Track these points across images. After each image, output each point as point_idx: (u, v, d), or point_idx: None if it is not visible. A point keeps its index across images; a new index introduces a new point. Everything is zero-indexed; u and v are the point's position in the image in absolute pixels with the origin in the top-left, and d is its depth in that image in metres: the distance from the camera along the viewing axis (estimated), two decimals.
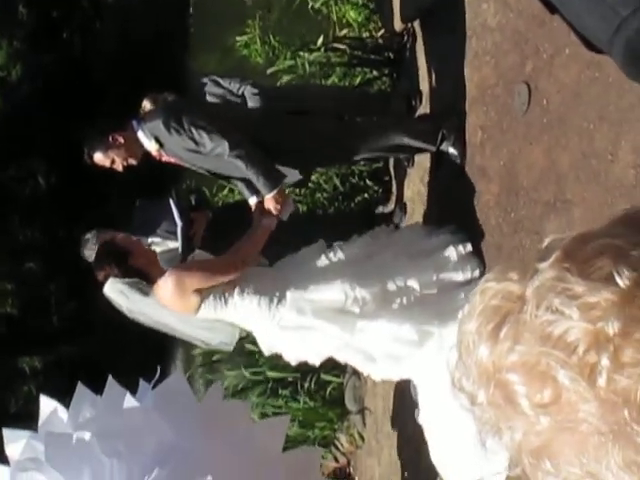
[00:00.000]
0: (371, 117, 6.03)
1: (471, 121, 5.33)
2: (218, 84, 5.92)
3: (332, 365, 6.99)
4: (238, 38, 7.52)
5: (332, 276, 4.76)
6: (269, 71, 6.96)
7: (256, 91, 5.87)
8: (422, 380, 4.89)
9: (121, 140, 5.13)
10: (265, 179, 4.97)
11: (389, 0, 6.55)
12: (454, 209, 5.20)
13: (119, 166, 5.23)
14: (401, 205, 6.33)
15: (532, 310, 0.85)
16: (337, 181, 6.88)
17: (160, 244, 5.94)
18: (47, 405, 2.66)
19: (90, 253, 5.76)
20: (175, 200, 5.87)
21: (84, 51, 12.17)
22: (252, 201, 5.23)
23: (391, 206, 6.53)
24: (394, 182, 6.63)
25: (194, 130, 4.97)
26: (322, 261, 4.88)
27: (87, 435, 2.43)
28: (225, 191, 7.43)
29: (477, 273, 4.94)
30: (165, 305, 4.66)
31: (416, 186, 6.04)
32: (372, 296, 4.69)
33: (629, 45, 1.77)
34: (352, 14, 6.88)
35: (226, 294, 4.57)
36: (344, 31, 6.97)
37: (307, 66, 6.74)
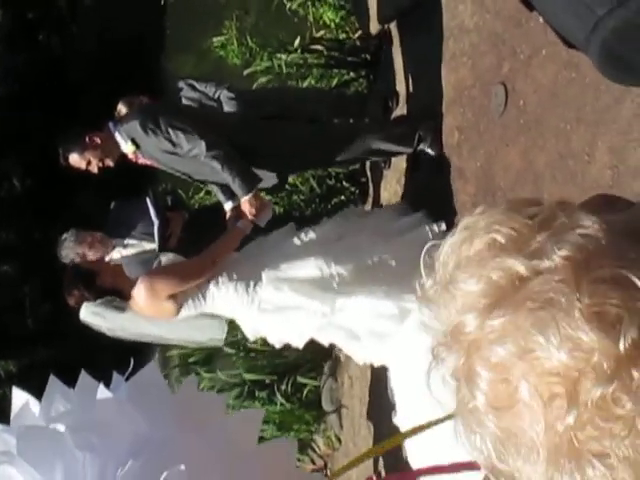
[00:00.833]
0: (348, 119, 6.03)
1: (448, 122, 5.34)
2: (194, 88, 5.91)
3: (309, 367, 6.98)
4: (215, 39, 7.49)
5: (305, 255, 4.75)
6: (246, 72, 6.93)
7: (232, 95, 5.85)
8: (401, 363, 4.88)
9: (98, 141, 5.10)
10: (241, 181, 4.94)
11: (366, 1, 6.55)
12: (431, 210, 5.19)
13: (94, 168, 5.19)
14: (378, 207, 6.33)
15: (526, 321, 0.84)
16: (314, 183, 6.87)
17: (136, 245, 5.92)
18: (19, 398, 2.63)
19: (67, 253, 5.73)
20: (152, 199, 5.85)
21: (60, 52, 12.10)
22: (227, 206, 5.21)
23: (368, 207, 6.53)
24: (371, 184, 6.62)
25: (171, 131, 4.94)
26: (294, 241, 4.88)
27: (60, 428, 2.40)
28: (202, 193, 7.40)
29: None
30: (145, 315, 4.65)
31: (393, 187, 6.04)
32: (348, 272, 4.69)
33: (605, 44, 1.78)
34: (329, 15, 6.87)
35: (202, 290, 4.57)
36: (321, 32, 6.96)
37: (284, 67, 6.72)
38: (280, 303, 4.66)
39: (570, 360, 0.81)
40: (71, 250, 5.72)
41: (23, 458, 2.34)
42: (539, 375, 0.83)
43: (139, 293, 4.44)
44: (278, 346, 5.02)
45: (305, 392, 6.98)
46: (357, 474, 6.27)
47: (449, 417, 0.96)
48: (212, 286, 4.59)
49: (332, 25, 6.93)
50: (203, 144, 4.90)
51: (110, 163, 5.20)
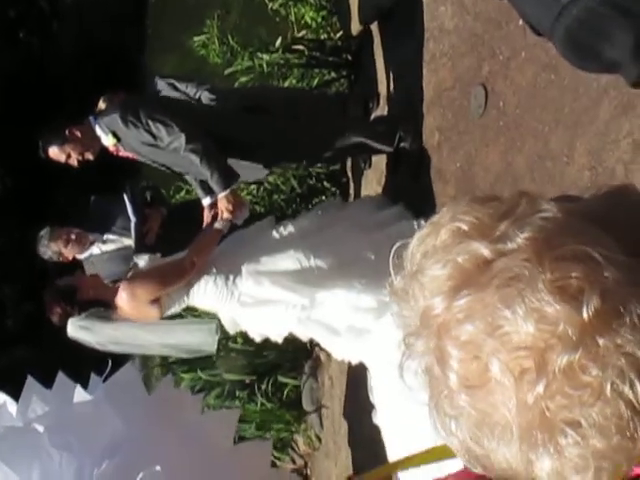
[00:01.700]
0: (328, 118, 6.03)
1: (428, 123, 5.36)
2: (175, 88, 5.89)
3: (289, 367, 6.99)
4: (196, 38, 7.48)
5: (284, 247, 4.76)
6: (227, 72, 6.93)
7: (213, 97, 5.84)
8: (379, 360, 4.89)
9: (78, 134, 5.08)
10: (219, 176, 4.93)
11: (347, 2, 6.56)
12: (411, 211, 5.21)
13: (74, 161, 5.16)
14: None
15: (493, 298, 0.87)
16: (294, 182, 6.87)
17: (115, 241, 5.90)
18: None
19: (44, 250, 5.71)
20: (129, 196, 5.82)
21: (41, 51, 12.05)
22: (205, 202, 5.20)
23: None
24: (352, 184, 6.64)
25: (151, 123, 4.93)
26: (273, 235, 4.89)
27: (37, 428, 2.41)
28: (182, 193, 7.39)
29: None
30: (132, 318, 4.64)
31: (373, 188, 6.05)
32: (327, 265, 4.71)
33: (568, 31, 1.83)
34: (310, 15, 6.88)
35: (184, 289, 4.57)
36: (302, 32, 6.97)
37: (265, 67, 6.72)
38: (260, 296, 4.67)
39: (537, 332, 0.84)
40: (47, 248, 5.70)
41: (1, 459, 2.35)
42: (509, 351, 0.85)
43: (122, 300, 4.44)
44: (258, 340, 5.02)
45: (286, 392, 6.98)
46: (337, 473, 6.29)
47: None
48: (194, 283, 4.60)
49: (313, 25, 6.94)
50: (183, 137, 4.89)
51: (90, 156, 5.17)
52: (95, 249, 5.87)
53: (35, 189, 10.75)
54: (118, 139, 5.05)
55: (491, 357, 0.86)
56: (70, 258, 5.79)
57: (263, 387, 6.84)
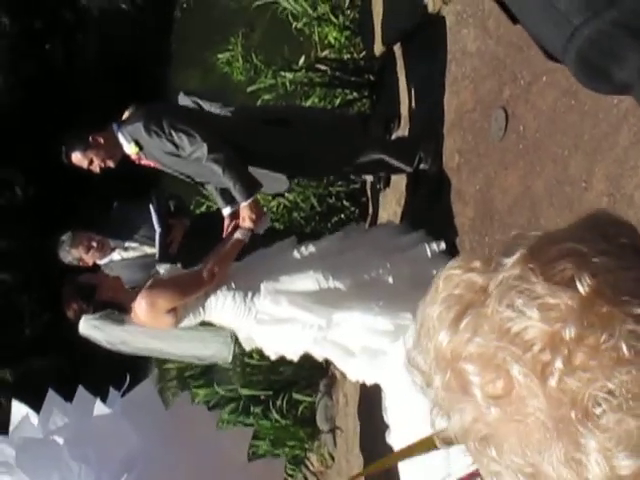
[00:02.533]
0: (349, 137, 6.07)
1: (448, 145, 5.38)
2: (198, 106, 5.93)
3: (305, 384, 7.00)
4: (220, 55, 7.55)
5: (304, 268, 4.78)
6: (250, 89, 6.98)
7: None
8: (395, 382, 4.90)
9: (101, 141, 5.12)
10: (241, 186, 4.96)
11: (371, 23, 6.61)
12: (429, 231, 5.23)
13: (96, 167, 5.20)
14: (377, 225, 6.36)
15: (494, 305, 0.88)
16: (314, 201, 6.91)
17: (136, 249, 5.94)
18: (18, 410, 2.68)
19: (65, 255, 5.75)
20: (155, 206, 5.86)
21: (66, 64, 12.15)
22: (226, 212, 5.23)
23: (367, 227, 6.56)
24: (370, 203, 6.66)
25: (174, 133, 4.97)
26: (294, 255, 4.91)
27: (57, 440, 2.44)
28: (203, 207, 7.44)
29: None
30: (146, 326, 4.67)
31: (392, 208, 6.08)
32: (345, 287, 4.72)
33: (579, 52, 1.85)
34: (334, 35, 6.92)
35: (201, 302, 4.60)
36: (326, 52, 7.02)
37: (288, 85, 6.77)
38: (277, 315, 4.69)
39: (543, 319, 0.85)
40: (68, 253, 5.74)
41: (21, 469, 2.38)
42: (524, 350, 0.85)
43: (140, 307, 4.47)
44: (273, 357, 5.04)
45: (300, 409, 6.99)
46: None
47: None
48: (212, 296, 4.62)
49: (337, 45, 6.99)
50: (205, 147, 4.93)
51: (111, 164, 5.21)
52: (116, 255, 5.91)
53: (56, 198, 10.82)
54: (140, 147, 5.09)
55: (509, 362, 0.86)
56: (90, 264, 5.83)
57: (278, 403, 6.86)
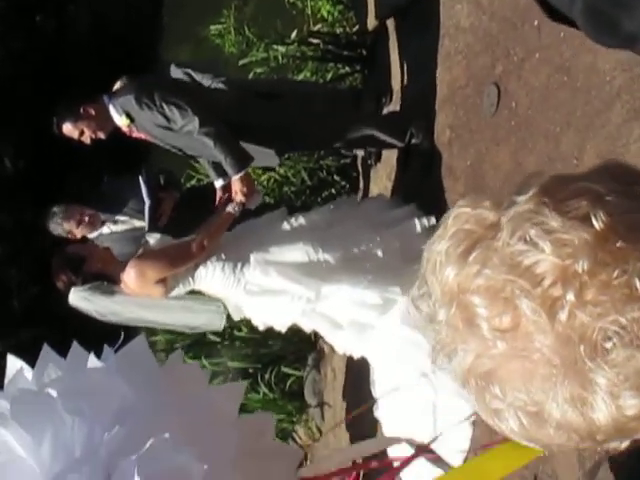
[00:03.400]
0: (341, 111, 6.06)
1: (440, 120, 5.38)
2: (191, 77, 5.91)
3: (293, 358, 7.02)
4: (212, 27, 7.51)
5: (294, 239, 4.80)
6: (241, 62, 6.96)
7: (228, 88, 5.86)
8: (382, 355, 4.93)
9: (92, 112, 5.10)
10: (232, 159, 4.95)
11: None
12: (420, 207, 5.24)
13: (87, 139, 5.18)
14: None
15: (505, 237, 0.87)
16: (305, 175, 6.90)
17: (126, 222, 5.94)
18: (13, 364, 2.70)
19: (55, 227, 5.74)
20: (145, 179, 5.86)
21: (56, 37, 12.08)
22: (218, 184, 5.22)
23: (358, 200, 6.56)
24: (361, 178, 6.66)
25: (165, 106, 4.96)
26: (284, 226, 4.92)
27: (51, 393, 2.47)
28: (193, 181, 7.43)
29: None
30: (136, 295, 4.68)
31: (383, 182, 6.08)
32: (335, 260, 4.74)
33: (587, 2, 1.82)
34: (327, 9, 6.90)
35: (191, 272, 4.61)
36: (318, 26, 6.99)
37: (280, 59, 6.75)
38: (266, 286, 4.71)
39: (556, 253, 0.84)
40: (59, 226, 5.73)
41: (15, 420, 2.41)
42: (534, 285, 0.84)
43: (129, 277, 4.48)
44: (262, 328, 5.06)
45: (288, 383, 7.02)
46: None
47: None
48: (201, 266, 4.64)
49: (329, 19, 6.97)
50: (197, 120, 4.92)
51: (102, 136, 5.19)
52: (105, 229, 5.91)
53: (46, 171, 10.78)
54: (132, 120, 5.08)
55: (518, 296, 0.85)
56: (79, 237, 5.83)
57: (266, 377, 6.88)
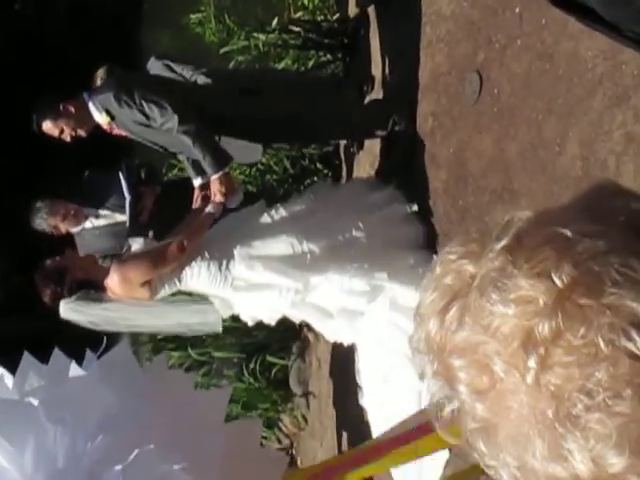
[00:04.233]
0: (323, 101, 6.04)
1: (422, 108, 5.37)
2: (171, 69, 5.87)
3: (278, 347, 7.02)
4: (192, 16, 7.46)
5: (277, 232, 4.80)
6: (222, 51, 6.92)
7: (209, 80, 5.82)
8: (370, 342, 4.94)
9: (72, 110, 5.08)
10: (211, 158, 4.93)
11: None
12: (402, 192, 5.24)
13: (67, 136, 5.17)
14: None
15: (475, 298, 0.87)
16: (287, 163, 6.88)
17: (108, 217, 5.92)
18: None
19: (40, 222, 5.72)
20: (125, 174, 5.84)
21: (35, 24, 11.99)
22: (196, 182, 5.20)
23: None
24: (344, 166, 6.65)
25: (145, 104, 4.94)
26: (265, 219, 4.91)
27: (32, 402, 2.45)
28: (175, 170, 7.39)
29: (423, 234, 5.01)
30: (122, 298, 4.66)
31: (366, 170, 6.07)
32: (320, 249, 4.74)
33: None
34: None
35: (176, 272, 4.59)
36: (299, 13, 6.96)
37: (261, 47, 6.72)
38: (253, 281, 4.71)
39: (519, 313, 0.83)
40: (44, 221, 5.71)
41: None
42: (505, 345, 0.83)
43: (113, 282, 4.47)
44: (251, 323, 5.06)
45: (273, 371, 7.02)
46: (322, 454, 6.34)
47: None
48: (186, 267, 4.62)
49: (310, 6, 6.94)
50: (176, 118, 4.90)
51: (82, 133, 5.17)
52: (87, 223, 5.89)
53: (27, 163, 10.72)
54: (112, 117, 5.06)
55: (491, 357, 0.84)
56: (64, 232, 5.81)
57: (251, 366, 6.88)
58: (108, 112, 5.04)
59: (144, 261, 4.53)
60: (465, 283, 0.90)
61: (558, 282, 0.83)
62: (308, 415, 6.88)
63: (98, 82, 5.68)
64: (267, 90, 5.49)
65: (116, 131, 5.23)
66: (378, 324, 4.76)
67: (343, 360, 5.70)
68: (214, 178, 4.93)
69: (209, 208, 4.84)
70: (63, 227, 5.78)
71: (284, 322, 5.36)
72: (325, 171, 6.86)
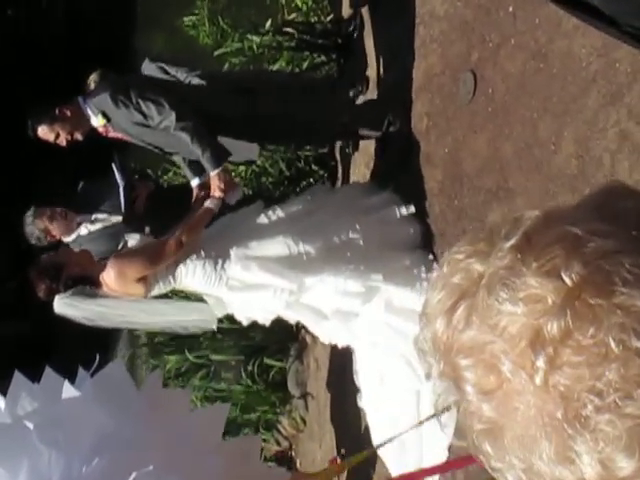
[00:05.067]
0: (317, 102, 6.04)
1: (417, 108, 5.37)
2: (165, 72, 5.86)
3: (276, 349, 7.01)
4: (186, 19, 7.45)
5: (273, 232, 4.79)
6: (216, 53, 6.91)
7: (203, 82, 5.81)
8: (366, 344, 4.94)
9: (67, 114, 5.07)
10: (210, 154, 4.92)
11: None
12: (399, 195, 5.23)
13: (63, 141, 5.15)
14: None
15: (483, 297, 0.86)
16: (283, 165, 6.88)
17: (103, 220, 5.89)
18: None
19: (31, 229, 5.68)
20: (118, 164, 5.82)
21: (29, 29, 11.97)
22: (194, 182, 5.20)
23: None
24: (340, 167, 6.65)
25: (142, 102, 4.92)
26: (262, 220, 4.91)
27: (26, 425, 2.40)
28: (170, 174, 7.38)
29: (419, 235, 5.01)
30: (117, 294, 4.65)
31: (361, 171, 6.07)
32: (316, 250, 4.74)
33: None
34: None
35: (171, 270, 4.59)
36: (293, 15, 6.96)
37: (255, 49, 6.71)
38: (248, 281, 4.70)
39: (527, 312, 0.82)
40: (33, 226, 5.67)
41: None
42: (512, 345, 0.83)
43: (109, 277, 4.46)
44: (245, 323, 5.05)
45: (271, 374, 7.01)
46: (321, 456, 6.33)
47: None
48: (181, 265, 4.61)
49: (304, 8, 6.93)
50: (173, 115, 4.88)
51: (79, 137, 5.16)
52: (83, 230, 5.86)
53: (21, 168, 10.70)
54: (108, 119, 5.04)
55: (498, 357, 0.84)
56: (58, 237, 5.76)
57: (249, 368, 6.87)
58: (104, 114, 5.02)
59: (141, 256, 4.53)
60: (473, 282, 0.89)
61: (568, 281, 0.82)
62: (307, 417, 6.87)
63: (92, 86, 5.67)
64: (261, 91, 5.48)
65: (112, 134, 5.21)
66: (373, 325, 4.75)
67: (341, 362, 5.69)
68: (213, 174, 4.92)
69: (208, 203, 4.83)
70: (54, 230, 5.72)
71: (281, 324, 5.35)
72: (321, 172, 6.85)
